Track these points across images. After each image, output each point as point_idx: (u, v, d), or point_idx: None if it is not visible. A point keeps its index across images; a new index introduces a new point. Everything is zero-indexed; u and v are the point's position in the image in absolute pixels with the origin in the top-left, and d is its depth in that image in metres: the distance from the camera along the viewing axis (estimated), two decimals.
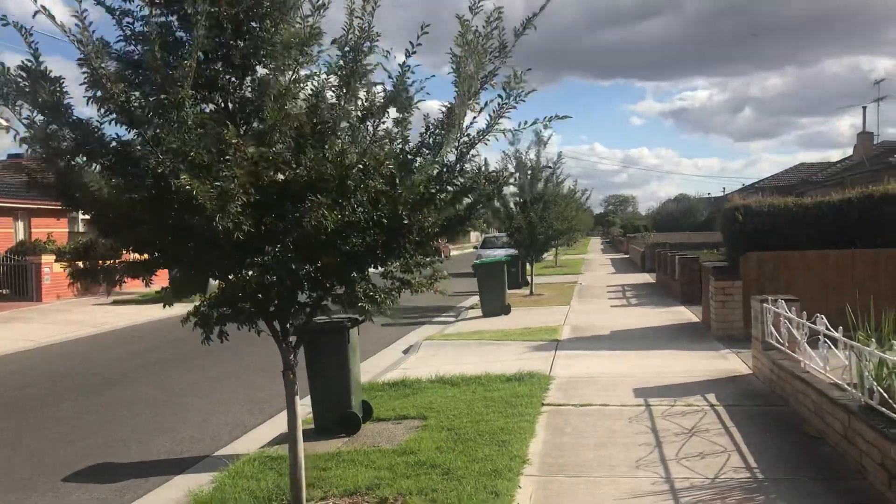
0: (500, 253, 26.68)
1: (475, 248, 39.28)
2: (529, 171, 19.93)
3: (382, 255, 4.28)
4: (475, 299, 17.61)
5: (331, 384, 7.14)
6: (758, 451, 5.83)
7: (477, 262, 16.84)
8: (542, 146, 19.92)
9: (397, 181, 4.04)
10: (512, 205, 20.14)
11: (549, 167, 19.89)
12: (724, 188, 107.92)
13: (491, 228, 37.01)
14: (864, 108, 34.62)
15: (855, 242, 11.59)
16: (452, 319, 16.63)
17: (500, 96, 4.13)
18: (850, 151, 49.34)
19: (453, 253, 56.85)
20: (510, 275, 23.23)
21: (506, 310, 16.32)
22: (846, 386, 5.64)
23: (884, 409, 4.90)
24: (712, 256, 19.59)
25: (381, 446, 6.53)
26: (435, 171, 4.16)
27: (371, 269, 4.61)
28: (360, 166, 3.98)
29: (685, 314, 14.54)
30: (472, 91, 4.09)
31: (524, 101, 4.08)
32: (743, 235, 11.75)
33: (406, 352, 12.41)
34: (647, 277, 25.53)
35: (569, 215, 19.99)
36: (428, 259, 4.78)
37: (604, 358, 10.27)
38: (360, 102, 4.40)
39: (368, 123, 4.46)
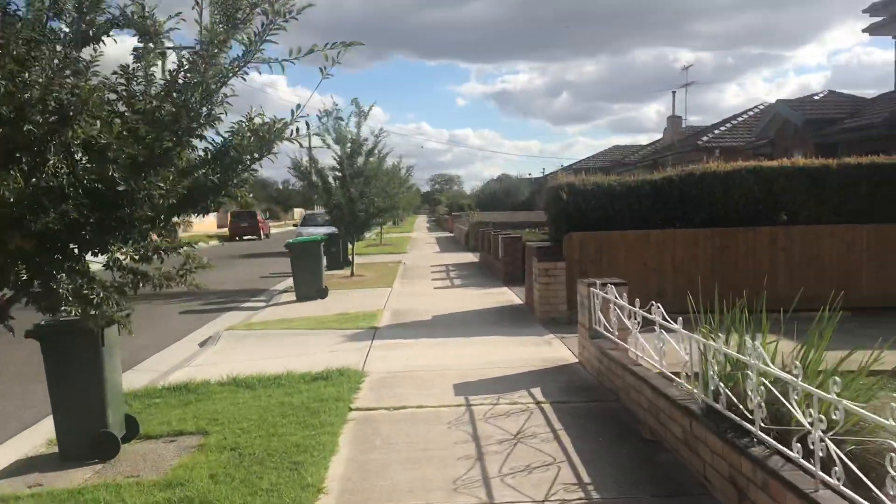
0: (321, 231, 25.36)
1: (295, 225, 37.40)
2: (349, 144, 18.71)
3: (95, 236, 2.94)
4: (290, 282, 16.22)
5: (79, 397, 5.62)
6: (591, 460, 5.08)
7: (291, 241, 15.43)
8: (363, 118, 18.76)
9: (113, 129, 2.74)
10: (331, 179, 18.87)
11: (370, 140, 18.77)
12: (543, 169, 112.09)
13: (316, 205, 35.48)
14: (674, 92, 36.54)
15: (674, 222, 11.47)
16: (262, 304, 15.16)
17: (263, 13, 2.91)
18: (658, 136, 52.50)
19: (274, 231, 54.49)
20: (330, 255, 22.03)
21: (322, 293, 15.09)
22: (686, 385, 5.01)
23: (731, 415, 4.26)
24: (535, 236, 19.41)
25: (142, 476, 5.17)
26: (168, 116, 2.86)
27: (92, 257, 3.27)
28: (54, 102, 2.64)
29: (508, 296, 14.03)
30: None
31: (296, 18, 2.88)
32: (566, 215, 11.27)
33: (203, 344, 10.88)
34: (470, 257, 25.19)
35: (392, 192, 19.00)
36: (172, 243, 3.46)
37: (424, 347, 9.35)
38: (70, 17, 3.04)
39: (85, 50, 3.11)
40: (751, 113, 30.06)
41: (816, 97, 22.06)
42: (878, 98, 20.28)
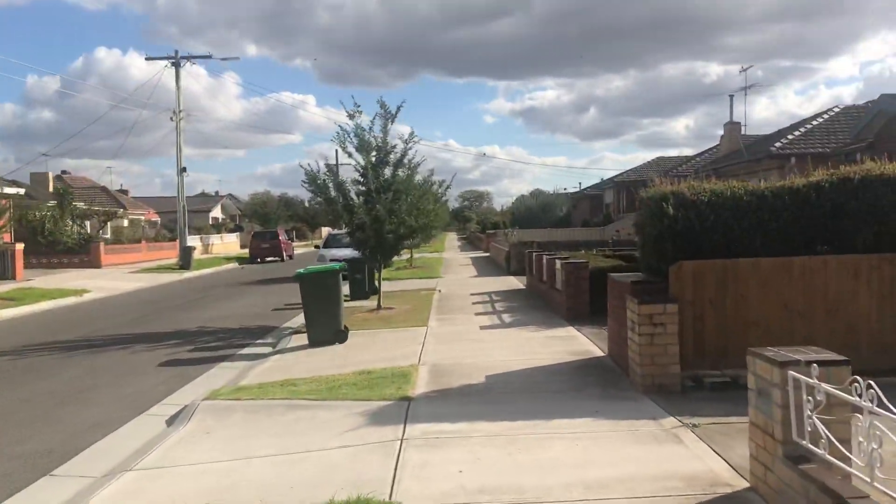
0: (345, 253, 22.33)
1: (317, 246, 34.24)
2: (374, 153, 15.69)
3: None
4: None
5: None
6: None
7: (301, 271, 12.36)
8: (391, 121, 15.74)
9: None
10: (353, 195, 15.85)
11: (399, 147, 15.74)
12: (580, 183, 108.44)
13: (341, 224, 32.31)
14: (731, 97, 32.95)
15: (822, 245, 8.24)
16: (267, 350, 12.14)
17: None
18: (688, 150, 49.25)
19: (298, 251, 51.64)
20: (354, 282, 19.01)
21: (341, 336, 12.01)
22: None
23: None
24: (592, 258, 16.19)
25: None
26: None
27: None
28: None
29: (580, 342, 10.79)
30: None
31: None
32: (673, 236, 8.09)
33: (171, 421, 7.84)
34: (514, 282, 21.98)
35: (425, 209, 15.92)
36: None
37: (482, 443, 6.16)
38: None
39: None
40: (825, 117, 26.61)
41: None
42: None
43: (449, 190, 17.31)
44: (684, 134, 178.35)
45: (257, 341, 13.42)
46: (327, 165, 15.91)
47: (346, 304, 17.35)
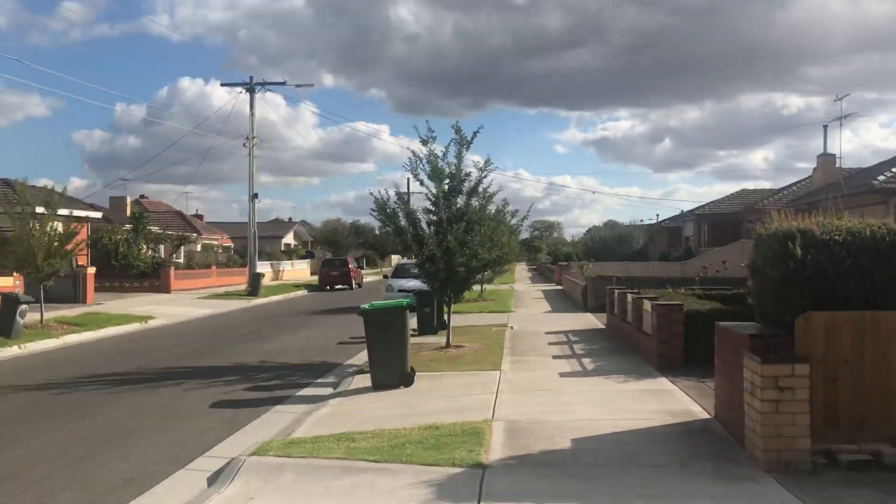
0: (414, 284, 21.38)
1: (385, 276, 33.43)
2: (447, 180, 14.76)
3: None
4: None
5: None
6: None
7: (366, 307, 11.43)
8: (466, 148, 14.80)
9: None
10: (424, 224, 14.93)
11: (474, 174, 14.77)
12: (657, 214, 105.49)
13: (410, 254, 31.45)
14: (825, 126, 30.90)
15: None
16: (328, 392, 11.23)
17: None
18: (765, 183, 46.76)
19: (367, 279, 51.15)
20: (423, 317, 18.02)
21: (406, 379, 11.00)
22: None
23: None
24: (683, 298, 14.77)
25: None
26: None
27: None
28: None
29: (679, 399, 9.44)
30: None
31: None
32: (801, 282, 6.78)
33: (213, 480, 6.92)
34: (592, 320, 20.62)
35: (499, 241, 14.85)
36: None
37: None
38: None
39: None
40: None
41: None
42: None
43: (526, 219, 16.14)
44: (763, 166, 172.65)
45: (318, 380, 12.53)
46: (397, 193, 15.04)
47: (413, 340, 16.34)
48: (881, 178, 22.59)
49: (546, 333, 17.28)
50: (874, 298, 6.82)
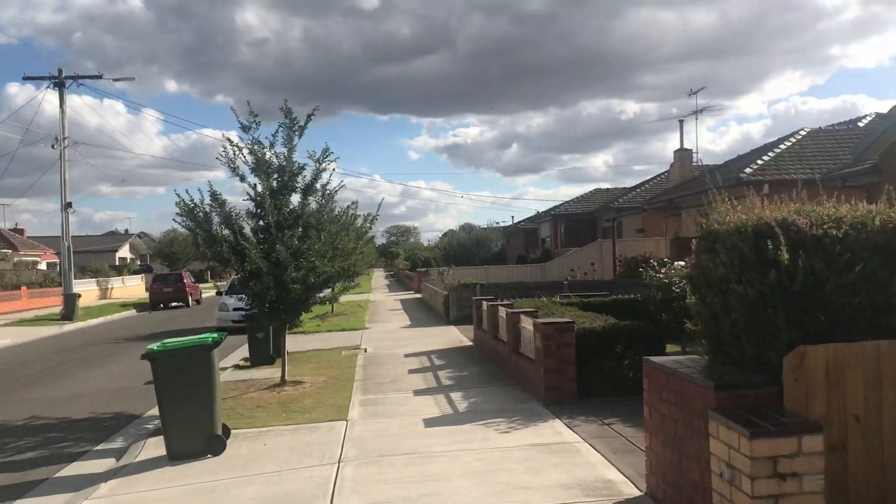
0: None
1: (220, 292, 29.32)
2: (276, 175, 11.73)
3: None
4: None
5: None
6: None
7: (154, 347, 8.17)
8: (298, 134, 11.84)
9: None
10: (247, 230, 11.80)
11: (309, 167, 11.84)
12: (512, 217, 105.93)
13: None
14: (681, 121, 30.26)
15: None
16: (105, 468, 7.98)
17: None
18: (606, 185, 47.04)
19: (207, 295, 46.13)
20: (256, 344, 14.79)
21: (215, 445, 7.93)
22: None
23: None
24: (558, 309, 12.52)
25: None
26: None
27: None
28: None
29: (587, 458, 6.87)
30: None
31: None
32: (787, 301, 4.45)
33: None
34: (457, 335, 18.15)
35: (345, 248, 11.98)
36: None
37: None
38: None
39: None
40: (791, 141, 24.04)
41: None
42: None
43: (375, 223, 13.34)
44: (603, 169, 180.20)
45: (99, 446, 9.16)
46: (212, 192, 11.75)
47: (239, 376, 13.21)
48: (747, 170, 21.69)
49: (406, 356, 14.57)
50: (889, 320, 4.59)
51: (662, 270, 9.43)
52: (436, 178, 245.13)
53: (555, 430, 7.89)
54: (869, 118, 26.94)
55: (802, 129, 25.04)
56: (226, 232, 11.64)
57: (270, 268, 10.89)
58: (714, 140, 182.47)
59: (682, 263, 9.70)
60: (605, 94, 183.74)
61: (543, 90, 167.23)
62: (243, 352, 16.15)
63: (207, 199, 11.61)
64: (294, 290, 11.18)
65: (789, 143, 23.73)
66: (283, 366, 12.23)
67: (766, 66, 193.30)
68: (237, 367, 14.82)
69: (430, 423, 8.68)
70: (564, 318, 9.90)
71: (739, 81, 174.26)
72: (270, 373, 13.15)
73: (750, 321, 4.61)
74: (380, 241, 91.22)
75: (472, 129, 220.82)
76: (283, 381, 11.89)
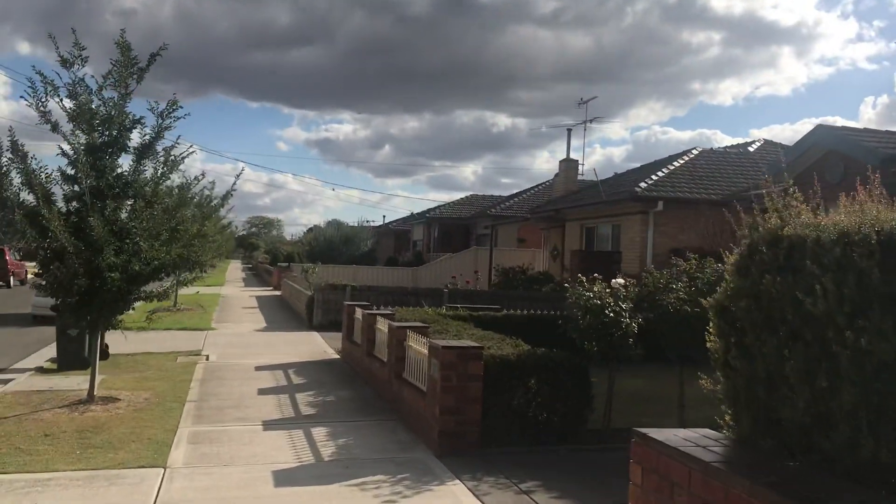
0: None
1: (38, 273, 25.23)
2: (101, 127, 8.91)
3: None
4: None
5: None
6: None
7: None
8: (136, 79, 9.08)
9: None
10: (61, 201, 8.91)
11: (150, 123, 9.12)
12: (384, 216, 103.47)
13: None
14: (569, 130, 29.02)
15: None
16: None
17: None
18: (473, 193, 46.05)
19: (33, 275, 40.84)
20: (67, 342, 11.78)
21: None
22: None
23: None
24: (451, 324, 10.48)
25: None
26: None
27: None
28: None
29: None
30: None
31: None
32: None
33: None
34: (321, 344, 15.66)
35: (185, 229, 9.29)
36: None
37: None
38: None
39: None
40: (685, 159, 23.27)
41: (860, 128, 15.11)
42: None
43: (231, 199, 10.69)
44: (472, 179, 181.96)
45: None
46: (13, 142, 8.70)
47: (41, 384, 10.19)
48: (642, 185, 20.54)
49: (257, 370, 11.98)
50: None
51: (595, 289, 7.50)
52: (305, 172, 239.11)
53: (457, 501, 5.71)
54: (758, 143, 27.05)
55: (695, 148, 24.43)
56: (28, 196, 8.73)
57: (79, 247, 8.08)
58: (581, 159, 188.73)
59: (622, 282, 7.82)
60: (479, 105, 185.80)
61: (420, 94, 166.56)
62: (55, 349, 12.97)
63: (7, 153, 8.63)
64: (112, 279, 8.40)
65: (682, 161, 22.93)
66: (93, 376, 9.36)
67: (632, 94, 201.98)
68: (41, 370, 11.74)
69: (282, 479, 6.25)
70: (467, 341, 7.76)
71: (607, 105, 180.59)
72: (80, 381, 10.23)
73: (883, 399, 2.62)
74: (240, 231, 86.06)
75: (345, 126, 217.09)
76: (90, 397, 9.07)
